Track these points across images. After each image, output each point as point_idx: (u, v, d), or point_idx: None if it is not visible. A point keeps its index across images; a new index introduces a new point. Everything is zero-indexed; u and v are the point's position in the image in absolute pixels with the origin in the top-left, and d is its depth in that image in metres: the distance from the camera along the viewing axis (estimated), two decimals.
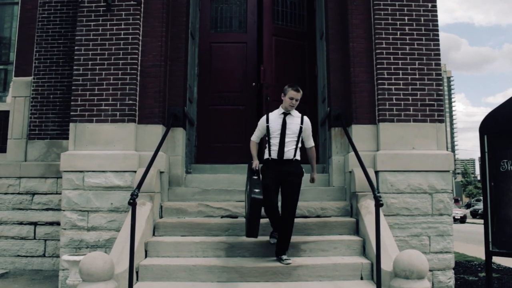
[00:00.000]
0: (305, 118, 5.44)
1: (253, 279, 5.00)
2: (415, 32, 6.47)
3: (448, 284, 6.02)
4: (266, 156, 5.38)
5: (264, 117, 5.51)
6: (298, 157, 5.35)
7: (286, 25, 8.23)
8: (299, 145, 5.39)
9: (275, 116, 5.43)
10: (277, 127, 5.31)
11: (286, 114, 5.38)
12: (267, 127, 5.40)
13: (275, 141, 5.29)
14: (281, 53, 8.08)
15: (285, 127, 5.30)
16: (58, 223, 7.36)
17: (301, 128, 5.36)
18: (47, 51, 8.27)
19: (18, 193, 7.89)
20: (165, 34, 6.68)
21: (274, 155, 5.27)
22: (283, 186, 5.25)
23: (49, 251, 7.73)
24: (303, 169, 5.40)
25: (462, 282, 6.89)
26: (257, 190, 4.90)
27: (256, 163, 5.41)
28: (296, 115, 5.41)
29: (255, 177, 5.24)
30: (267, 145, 5.37)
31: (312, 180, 5.73)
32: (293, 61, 8.14)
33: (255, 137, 5.62)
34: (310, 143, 5.57)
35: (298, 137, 5.36)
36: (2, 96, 8.72)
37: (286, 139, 5.28)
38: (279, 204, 5.33)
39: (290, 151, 5.28)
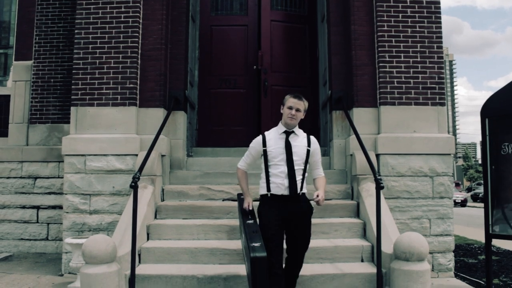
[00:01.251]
0: (312, 138, 4.25)
1: None
2: (417, 15, 6.41)
3: (448, 267, 6.07)
4: (262, 191, 4.11)
5: (259, 138, 4.19)
6: (305, 189, 4.17)
7: (285, 9, 8.18)
8: (306, 171, 4.18)
9: (274, 137, 4.15)
10: (279, 152, 4.06)
11: (288, 133, 4.14)
12: (264, 151, 4.10)
13: (277, 171, 4.03)
14: (280, 37, 8.05)
15: (291, 151, 4.06)
16: (60, 207, 7.40)
17: (308, 151, 4.14)
18: (47, 34, 8.23)
19: (21, 177, 7.92)
20: (165, 17, 6.64)
21: (278, 190, 4.02)
22: (289, 230, 4.09)
23: (52, 235, 7.79)
24: (310, 203, 4.22)
25: (462, 264, 6.94)
26: (257, 245, 3.74)
27: (248, 202, 4.28)
28: (301, 135, 4.21)
29: (251, 222, 4.11)
30: (263, 176, 4.11)
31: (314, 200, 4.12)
32: (293, 45, 8.10)
33: (244, 164, 4.34)
34: (319, 171, 4.33)
35: (305, 163, 4.13)
36: (3, 81, 8.71)
37: (295, 167, 4.05)
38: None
39: (297, 184, 4.06)
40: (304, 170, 4.10)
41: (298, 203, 4.05)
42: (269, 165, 4.06)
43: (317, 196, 4.01)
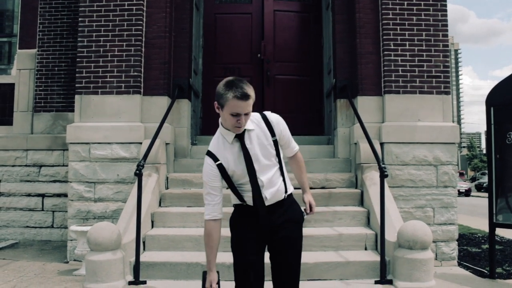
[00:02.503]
0: (270, 116, 2.84)
1: None
2: (422, 3, 6.36)
3: (451, 255, 6.08)
4: (235, 201, 2.94)
5: (207, 160, 2.80)
6: (290, 187, 2.92)
7: None
8: (283, 163, 2.91)
9: (223, 147, 2.79)
10: (239, 166, 2.76)
11: (240, 136, 2.75)
12: (220, 167, 2.77)
13: (245, 188, 2.81)
14: (284, 26, 8.02)
15: (250, 159, 2.73)
16: (65, 195, 7.42)
17: (275, 142, 2.82)
18: (51, 23, 8.21)
19: (26, 165, 7.96)
20: (169, 5, 6.61)
21: (252, 202, 2.82)
22: (273, 246, 2.89)
23: (57, 222, 7.84)
24: (300, 206, 3.01)
25: (465, 253, 6.94)
26: None
27: (211, 280, 2.80)
28: (256, 123, 2.80)
29: None
30: (234, 195, 2.91)
31: (305, 210, 3.08)
32: (297, 33, 8.06)
33: (211, 210, 2.83)
34: (291, 149, 3.03)
35: (278, 155, 2.85)
36: (7, 69, 8.71)
37: (263, 177, 2.76)
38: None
39: (277, 191, 2.82)
40: (280, 163, 2.87)
41: (282, 209, 2.84)
42: (238, 184, 2.83)
43: (309, 208, 3.07)
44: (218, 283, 2.80)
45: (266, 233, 2.83)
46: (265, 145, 2.79)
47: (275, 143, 2.82)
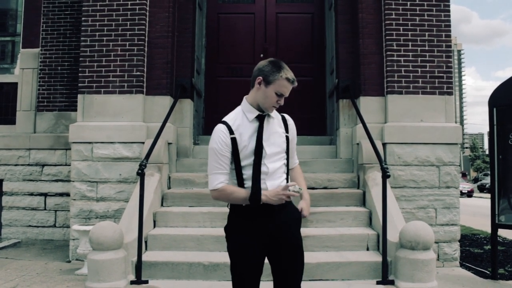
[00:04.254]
0: (288, 118, 2.92)
1: None
2: (425, 3, 6.35)
3: (453, 256, 6.07)
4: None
5: (221, 127, 2.72)
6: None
7: (291, 0, 8.16)
8: (289, 167, 2.89)
9: (241, 122, 2.74)
10: (251, 142, 2.68)
11: (261, 117, 2.74)
12: (233, 141, 2.68)
13: (248, 174, 2.69)
14: (287, 27, 8.05)
15: (262, 138, 2.69)
16: (67, 194, 7.45)
17: (287, 139, 2.83)
18: (54, 22, 8.23)
19: (28, 165, 7.97)
20: (172, 4, 6.62)
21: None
22: (274, 252, 2.77)
23: (60, 222, 7.85)
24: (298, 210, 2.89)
25: (468, 254, 6.94)
26: None
27: (279, 189, 2.67)
28: (276, 116, 2.85)
29: None
30: (234, 180, 2.75)
31: (302, 213, 2.89)
32: (300, 34, 8.07)
33: (218, 177, 2.69)
34: (294, 160, 2.99)
35: (287, 152, 2.83)
36: (10, 68, 8.73)
37: (270, 165, 2.71)
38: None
39: (279, 184, 2.71)
40: (287, 167, 2.83)
41: (284, 210, 2.72)
42: (243, 166, 2.70)
43: (301, 210, 2.87)
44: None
45: (265, 236, 2.70)
46: (280, 134, 2.78)
47: (287, 139, 2.81)
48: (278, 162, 2.74)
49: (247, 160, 2.68)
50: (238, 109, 2.82)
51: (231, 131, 2.69)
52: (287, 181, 2.79)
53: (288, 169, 2.84)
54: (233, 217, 2.83)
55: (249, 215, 2.71)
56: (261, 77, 2.70)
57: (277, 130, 2.78)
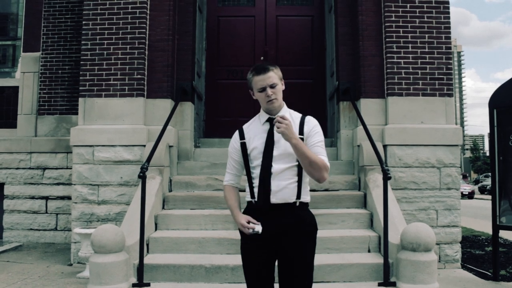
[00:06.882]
0: (307, 118, 2.90)
1: None
2: (425, 5, 6.37)
3: (454, 258, 6.07)
4: (248, 197, 2.88)
5: (235, 133, 2.98)
6: (305, 197, 2.81)
7: (291, 3, 8.18)
8: (304, 174, 2.79)
9: (254, 128, 2.91)
10: (259, 142, 2.81)
11: (272, 120, 2.81)
12: (243, 146, 2.88)
13: (257, 174, 2.80)
14: (287, 30, 8.08)
15: (272, 144, 2.77)
16: (69, 197, 7.46)
17: (301, 140, 2.73)
18: (55, 26, 8.25)
19: (30, 168, 7.98)
20: (172, 8, 6.64)
21: (257, 196, 2.79)
22: (281, 257, 2.78)
23: (61, 225, 7.85)
24: (315, 219, 2.86)
25: (469, 256, 6.93)
26: None
27: (240, 220, 2.78)
28: (292, 118, 2.86)
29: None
30: (246, 180, 2.89)
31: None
32: (300, 36, 8.08)
33: (229, 178, 3.02)
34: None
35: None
36: (11, 72, 8.74)
37: (276, 166, 2.74)
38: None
39: (286, 188, 2.73)
40: (299, 169, 2.76)
41: (290, 215, 2.73)
42: (252, 166, 2.84)
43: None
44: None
45: (272, 238, 2.71)
46: None
47: (301, 140, 2.71)
48: (285, 164, 2.75)
49: (256, 161, 2.81)
50: (256, 116, 2.99)
51: (242, 137, 2.91)
52: (299, 187, 2.76)
53: (301, 175, 2.77)
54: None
55: (252, 215, 2.79)
56: (250, 90, 2.91)
57: None
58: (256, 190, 2.78)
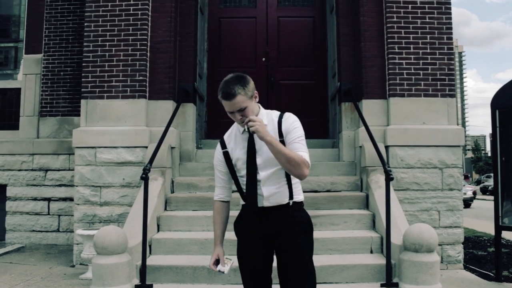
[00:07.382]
0: (286, 115, 2.77)
1: None
2: (426, 6, 6.37)
3: (457, 258, 6.06)
4: (242, 201, 2.87)
5: (218, 146, 2.89)
6: (298, 196, 2.77)
7: (293, 4, 8.19)
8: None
9: (234, 136, 2.83)
10: (242, 153, 2.74)
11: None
12: (225, 155, 2.82)
13: (243, 181, 2.77)
14: (288, 31, 8.09)
15: (254, 153, 2.70)
16: (71, 199, 7.47)
17: (282, 142, 2.65)
18: (57, 28, 8.26)
19: (32, 170, 7.99)
20: (174, 9, 6.65)
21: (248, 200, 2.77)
22: (279, 255, 2.78)
23: (63, 226, 7.86)
24: (310, 218, 2.84)
25: (471, 256, 6.93)
26: None
27: (217, 254, 2.91)
28: (271, 121, 2.76)
29: None
30: (237, 190, 2.87)
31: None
32: (302, 38, 8.09)
33: (218, 192, 2.92)
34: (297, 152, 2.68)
35: None
36: (13, 74, 8.77)
37: (262, 173, 2.69)
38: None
39: (278, 192, 2.70)
40: (287, 173, 2.68)
41: (284, 217, 2.71)
42: (240, 176, 2.79)
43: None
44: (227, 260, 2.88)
45: (267, 239, 2.72)
46: None
47: (283, 144, 2.62)
48: (271, 168, 2.68)
49: (243, 171, 2.74)
50: (234, 123, 2.83)
51: (223, 146, 2.83)
52: (289, 185, 2.71)
53: (289, 177, 2.70)
54: (239, 220, 2.90)
55: (246, 219, 2.81)
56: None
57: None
58: (246, 196, 2.76)
